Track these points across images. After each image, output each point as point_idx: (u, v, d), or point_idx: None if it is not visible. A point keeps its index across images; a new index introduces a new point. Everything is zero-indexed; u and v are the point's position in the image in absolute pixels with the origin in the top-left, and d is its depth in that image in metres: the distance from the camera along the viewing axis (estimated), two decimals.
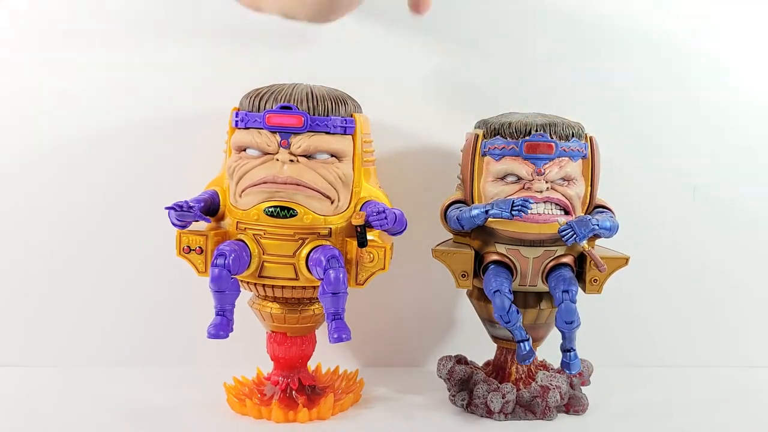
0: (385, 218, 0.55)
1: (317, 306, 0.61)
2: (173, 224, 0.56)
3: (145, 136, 0.72)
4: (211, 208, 0.59)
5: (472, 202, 0.61)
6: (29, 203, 0.71)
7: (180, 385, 0.67)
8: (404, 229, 0.58)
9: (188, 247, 0.57)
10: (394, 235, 0.58)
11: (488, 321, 0.65)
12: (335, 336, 0.53)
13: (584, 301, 0.61)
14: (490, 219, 0.58)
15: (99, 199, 0.72)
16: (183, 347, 0.74)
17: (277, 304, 0.60)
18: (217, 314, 0.55)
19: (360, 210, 0.57)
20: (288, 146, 0.55)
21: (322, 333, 0.64)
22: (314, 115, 0.56)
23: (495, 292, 0.57)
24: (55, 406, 0.62)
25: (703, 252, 0.79)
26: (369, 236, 0.57)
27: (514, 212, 0.56)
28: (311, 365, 0.67)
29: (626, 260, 0.61)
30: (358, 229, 0.55)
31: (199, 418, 0.60)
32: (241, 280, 0.59)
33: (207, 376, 0.68)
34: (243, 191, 0.56)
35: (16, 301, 0.72)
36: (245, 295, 0.61)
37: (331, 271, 0.53)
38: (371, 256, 0.57)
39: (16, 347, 0.73)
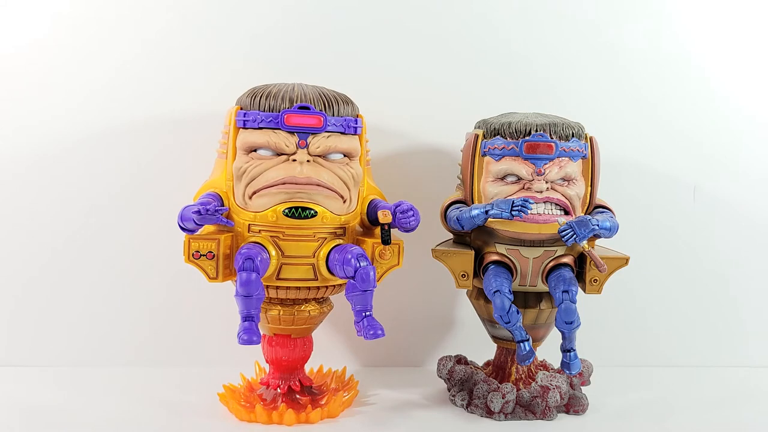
0: (412, 216, 0.57)
1: (324, 306, 0.61)
2: (183, 229, 0.55)
3: (150, 136, 0.72)
4: None
5: (472, 202, 0.61)
6: (32, 204, 0.71)
7: (182, 385, 0.67)
8: (415, 227, 0.58)
9: (198, 252, 0.55)
10: (406, 232, 0.58)
11: (488, 321, 0.65)
12: (371, 333, 0.53)
13: (584, 301, 0.61)
14: (490, 219, 0.58)
15: (101, 200, 0.72)
16: (183, 348, 0.74)
17: (284, 307, 0.60)
18: (245, 320, 0.53)
19: (381, 208, 0.57)
20: (306, 146, 0.55)
21: (315, 336, 0.64)
22: (329, 115, 0.56)
23: (495, 292, 0.57)
24: (58, 407, 0.61)
25: (702, 252, 0.79)
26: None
27: (514, 212, 0.56)
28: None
29: (626, 260, 0.61)
30: (386, 227, 0.56)
31: (203, 420, 0.60)
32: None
33: (204, 377, 0.68)
34: (255, 193, 0.55)
35: (18, 303, 0.72)
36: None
37: (363, 269, 0.54)
38: (386, 253, 0.58)
39: (18, 347, 0.73)
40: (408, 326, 0.77)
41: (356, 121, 0.58)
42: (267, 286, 0.57)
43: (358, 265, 0.54)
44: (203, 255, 0.55)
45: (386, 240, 0.56)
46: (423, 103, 0.75)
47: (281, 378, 0.61)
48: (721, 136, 0.78)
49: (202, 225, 0.54)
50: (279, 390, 0.61)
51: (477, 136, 0.61)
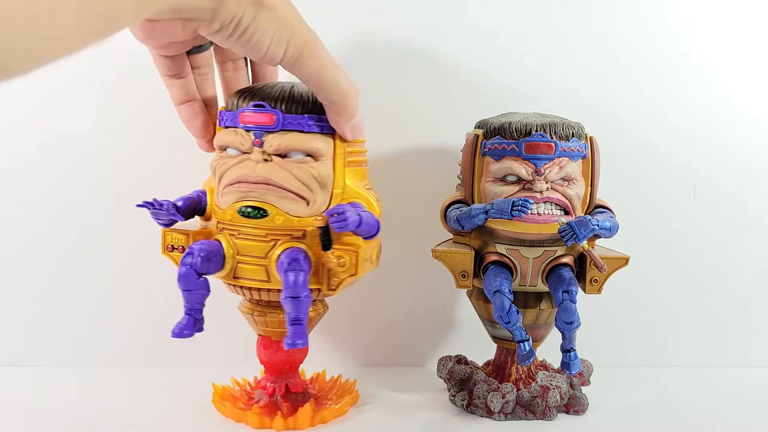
0: (344, 220, 0.51)
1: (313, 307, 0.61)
2: (157, 222, 0.57)
3: (150, 135, 0.72)
4: (197, 207, 0.58)
5: (472, 202, 0.61)
6: (31, 203, 0.71)
7: (181, 386, 0.68)
8: (376, 233, 0.56)
9: (171, 245, 0.57)
10: (366, 238, 0.55)
11: (488, 321, 0.65)
12: (288, 342, 0.51)
13: (584, 301, 0.61)
14: (490, 219, 0.58)
15: (101, 199, 0.72)
16: (180, 348, 0.74)
17: (266, 308, 0.59)
18: (185, 313, 0.55)
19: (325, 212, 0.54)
20: (261, 145, 0.54)
21: (314, 337, 0.64)
22: (288, 113, 0.54)
23: (495, 292, 0.57)
24: (58, 407, 0.62)
25: (702, 252, 0.79)
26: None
27: (514, 212, 0.56)
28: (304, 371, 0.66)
29: (626, 260, 0.61)
30: (320, 231, 0.53)
31: (200, 422, 0.60)
32: (227, 283, 0.58)
33: (202, 378, 0.68)
34: (222, 190, 0.56)
35: (16, 303, 0.72)
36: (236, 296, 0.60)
37: (290, 274, 0.52)
38: (342, 260, 0.54)
39: (17, 348, 0.73)
40: (408, 326, 0.77)
41: (322, 119, 0.54)
42: (234, 286, 0.58)
43: (288, 269, 0.53)
44: (176, 248, 0.57)
45: (325, 245, 0.53)
46: (423, 103, 0.74)
47: (271, 380, 0.61)
48: (721, 135, 0.78)
49: (162, 219, 0.56)
50: (274, 392, 0.60)
51: (477, 136, 0.61)
